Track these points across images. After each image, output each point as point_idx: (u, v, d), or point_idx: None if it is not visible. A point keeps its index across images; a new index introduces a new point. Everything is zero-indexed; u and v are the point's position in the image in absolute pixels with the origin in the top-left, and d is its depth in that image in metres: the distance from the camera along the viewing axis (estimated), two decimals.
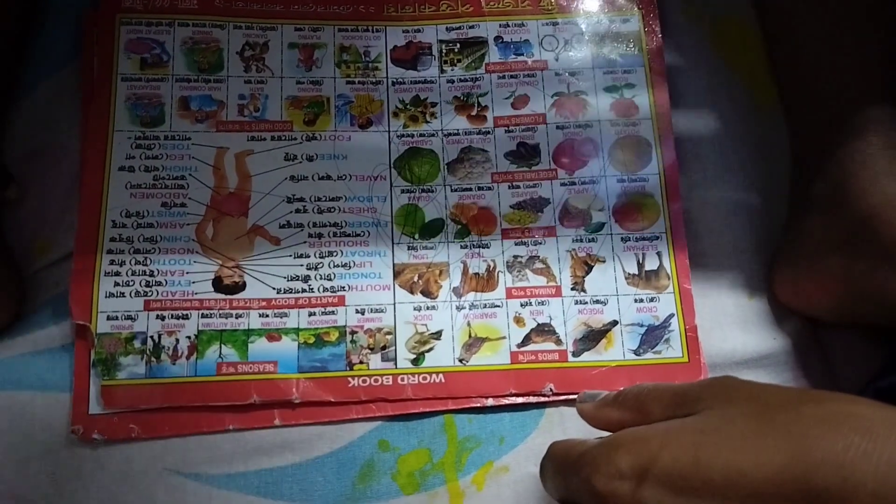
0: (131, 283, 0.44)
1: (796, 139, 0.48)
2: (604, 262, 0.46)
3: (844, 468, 0.24)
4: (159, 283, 0.44)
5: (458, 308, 0.46)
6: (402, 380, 0.44)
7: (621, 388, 0.35)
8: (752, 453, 0.25)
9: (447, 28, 0.50)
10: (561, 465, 0.32)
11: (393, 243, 0.46)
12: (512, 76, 0.50)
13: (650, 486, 0.26)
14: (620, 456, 0.28)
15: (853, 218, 0.42)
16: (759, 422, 0.27)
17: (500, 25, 0.51)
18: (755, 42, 0.52)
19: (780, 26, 0.49)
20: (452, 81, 0.50)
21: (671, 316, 0.46)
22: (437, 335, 0.45)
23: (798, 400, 0.27)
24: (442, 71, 0.50)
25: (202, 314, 0.44)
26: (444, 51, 0.50)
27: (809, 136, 0.46)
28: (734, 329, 0.46)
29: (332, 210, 0.47)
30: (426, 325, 0.45)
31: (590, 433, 0.38)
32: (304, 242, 0.46)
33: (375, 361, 0.44)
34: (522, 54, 0.50)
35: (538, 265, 0.46)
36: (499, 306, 0.46)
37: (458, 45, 0.50)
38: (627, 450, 0.28)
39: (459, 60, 0.50)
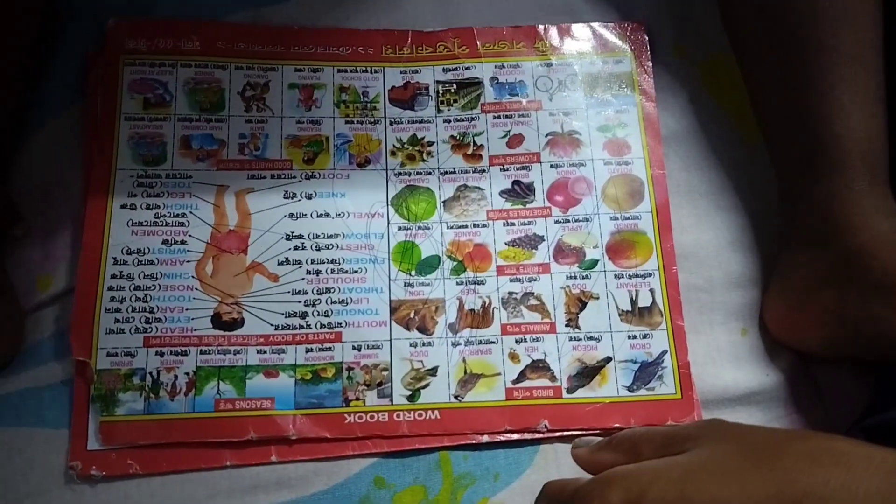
0: (131, 320, 0.45)
1: (781, 176, 0.49)
2: (598, 298, 0.47)
3: (826, 500, 0.25)
4: (159, 320, 0.45)
5: (454, 344, 0.46)
6: (398, 416, 0.44)
7: (615, 434, 0.36)
8: (737, 487, 0.26)
9: (444, 69, 0.52)
10: (555, 502, 0.33)
11: (390, 280, 0.47)
12: (507, 116, 0.51)
13: None
14: (612, 491, 0.28)
15: (843, 254, 0.42)
16: (745, 458, 0.28)
17: (495, 66, 0.52)
18: (741, 79, 0.53)
19: (754, 68, 0.50)
20: (449, 121, 0.51)
21: (664, 353, 0.46)
22: (433, 371, 0.45)
23: (782, 438, 0.28)
24: (438, 111, 0.51)
25: (201, 350, 0.44)
26: (440, 91, 0.51)
27: (794, 172, 0.47)
28: (727, 365, 0.46)
29: (330, 247, 0.47)
30: (422, 361, 0.46)
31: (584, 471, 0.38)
32: (303, 279, 0.46)
33: (371, 398, 0.45)
34: (517, 94, 0.51)
35: (533, 301, 0.47)
36: (494, 342, 0.46)
37: (455, 86, 0.51)
38: (618, 485, 0.29)
39: (456, 101, 0.51)
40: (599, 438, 0.36)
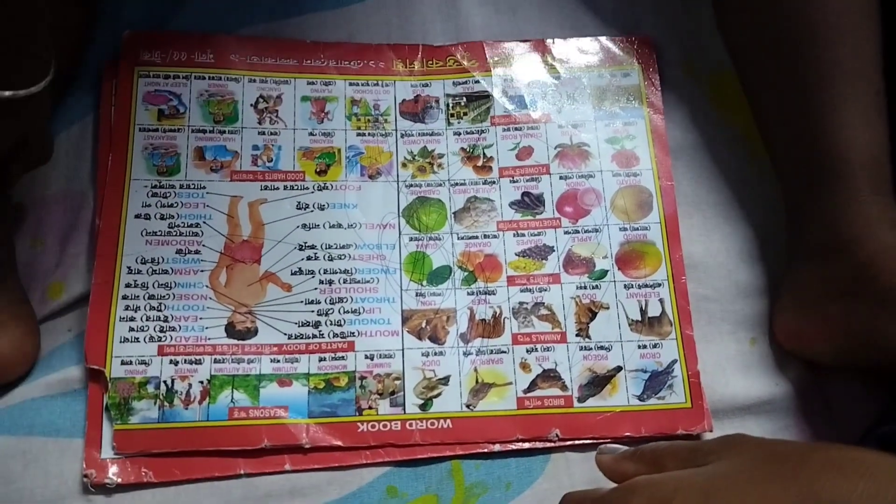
0: (146, 329, 0.45)
1: (787, 190, 0.49)
2: (607, 308, 0.48)
3: None
4: (173, 329, 0.45)
5: (466, 354, 0.46)
6: (411, 425, 0.45)
7: (640, 445, 0.36)
8: (760, 497, 0.26)
9: (454, 83, 0.52)
10: None
11: (401, 290, 0.48)
12: (516, 128, 0.51)
13: None
14: (635, 499, 0.29)
15: (851, 266, 0.43)
16: (768, 469, 0.28)
17: (504, 80, 0.52)
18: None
19: (754, 84, 0.50)
20: (459, 133, 0.51)
21: (674, 362, 0.46)
22: (445, 381, 0.46)
23: (805, 450, 0.28)
24: (449, 123, 0.52)
25: (215, 359, 0.45)
26: (450, 104, 0.52)
27: (798, 186, 0.47)
28: (736, 374, 0.47)
29: (343, 257, 0.48)
30: (434, 370, 0.46)
31: (595, 478, 0.39)
32: (315, 289, 0.47)
33: (384, 407, 0.45)
34: (526, 107, 0.52)
35: (543, 311, 0.48)
36: (505, 352, 0.47)
37: (465, 99, 0.52)
38: (642, 494, 0.29)
39: (466, 113, 0.52)
40: (625, 447, 0.36)
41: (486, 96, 0.52)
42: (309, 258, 0.47)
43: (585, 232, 0.49)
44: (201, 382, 0.44)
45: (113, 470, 0.42)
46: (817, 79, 0.44)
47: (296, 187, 0.49)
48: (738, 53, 0.52)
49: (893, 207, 0.44)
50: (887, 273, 0.41)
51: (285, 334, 0.46)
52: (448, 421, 0.45)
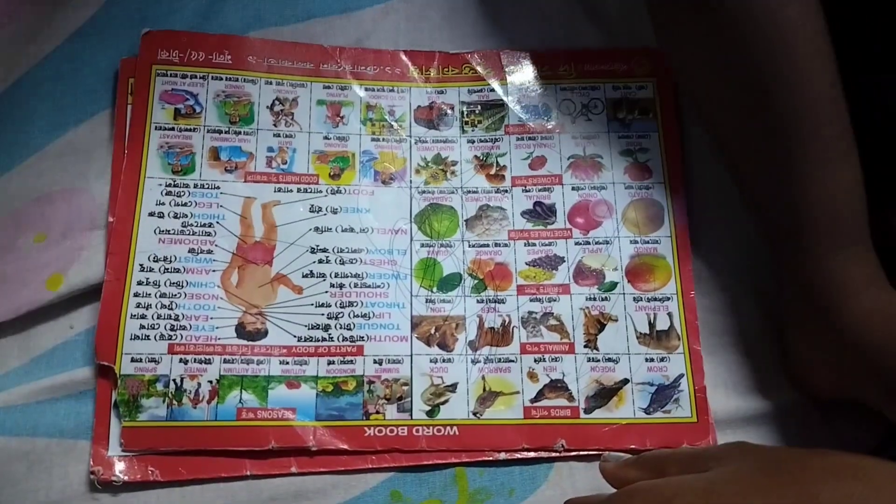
0: (156, 327, 0.45)
1: (768, 244, 0.47)
2: (616, 320, 0.48)
3: None
4: (184, 328, 0.45)
5: (474, 361, 0.47)
6: (417, 431, 0.45)
7: (642, 453, 0.36)
8: (760, 500, 0.27)
9: (469, 90, 0.53)
10: None
11: (412, 296, 0.48)
12: (530, 138, 0.52)
13: None
14: (637, 503, 0.29)
15: (830, 339, 0.41)
16: (768, 473, 0.28)
17: (520, 89, 0.53)
18: None
19: (719, 139, 0.47)
20: (473, 141, 0.51)
21: (681, 376, 0.47)
22: (453, 388, 0.46)
23: (804, 455, 0.29)
24: (463, 131, 0.52)
25: (224, 359, 0.45)
26: (465, 112, 0.52)
27: (774, 243, 0.45)
28: (740, 386, 0.47)
29: (354, 262, 0.48)
30: (442, 377, 0.46)
31: (599, 486, 0.39)
32: (326, 292, 0.47)
33: (391, 412, 0.45)
34: (541, 117, 0.52)
35: (552, 322, 0.48)
36: (513, 361, 0.47)
37: (479, 107, 0.52)
38: (642, 497, 0.29)
39: (480, 122, 0.52)
40: (629, 455, 0.37)
41: (500, 105, 0.52)
42: (321, 261, 0.48)
43: (596, 243, 0.49)
44: (210, 382, 0.44)
45: (120, 467, 0.42)
46: (770, 135, 0.42)
47: (309, 190, 0.49)
48: (698, 106, 0.49)
49: (866, 259, 0.41)
50: (868, 347, 0.39)
51: (295, 336, 0.46)
52: (455, 428, 0.45)
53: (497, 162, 0.51)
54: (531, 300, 0.48)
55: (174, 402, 0.44)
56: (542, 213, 0.50)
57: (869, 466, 0.27)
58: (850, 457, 0.28)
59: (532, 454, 0.45)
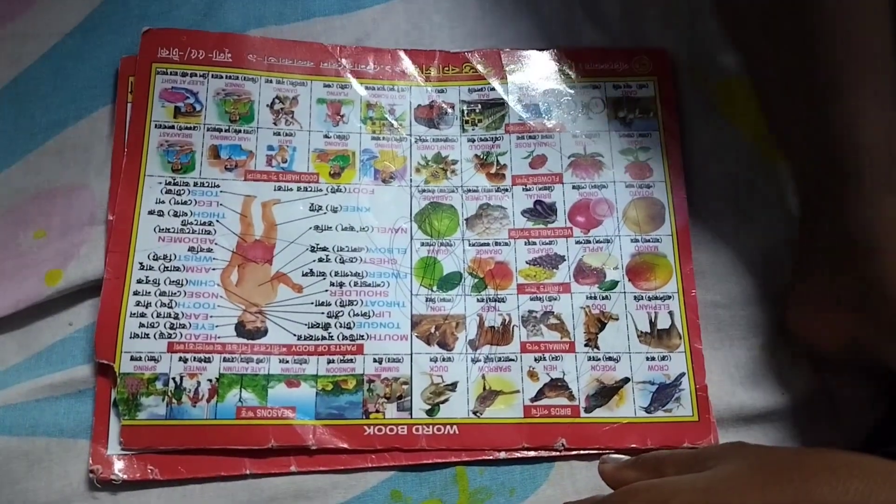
0: (156, 325, 0.45)
1: (802, 192, 0.47)
2: (617, 319, 0.48)
3: None
4: (183, 326, 0.45)
5: (474, 360, 0.46)
6: (417, 430, 0.45)
7: (641, 454, 0.36)
8: (758, 498, 0.27)
9: (469, 89, 0.52)
10: None
11: (412, 294, 0.48)
12: (531, 137, 0.52)
13: None
14: (633, 502, 0.29)
15: (860, 280, 0.42)
16: (766, 472, 0.28)
17: (520, 88, 0.53)
18: (757, 101, 0.53)
19: (766, 82, 0.48)
20: (473, 140, 0.51)
21: (682, 375, 0.47)
22: (453, 387, 0.46)
23: (802, 453, 0.29)
24: (463, 130, 0.52)
25: (224, 358, 0.45)
26: (465, 111, 0.52)
27: (813, 188, 0.45)
28: (744, 383, 0.47)
29: (354, 260, 0.48)
30: (442, 376, 0.46)
31: (599, 485, 0.39)
32: (326, 291, 0.47)
33: (391, 411, 0.45)
34: (541, 116, 0.52)
35: (552, 321, 0.48)
36: (513, 360, 0.47)
37: (480, 106, 0.52)
38: (642, 496, 0.29)
39: (480, 120, 0.52)
40: (627, 457, 0.37)
41: (501, 104, 0.52)
42: (320, 260, 0.48)
43: (597, 242, 0.49)
44: (210, 381, 0.44)
45: (119, 466, 0.42)
46: (828, 75, 0.42)
47: (309, 189, 0.49)
48: (747, 52, 0.50)
49: None
50: (885, 283, 0.40)
51: (295, 335, 0.46)
52: (454, 427, 0.45)
53: (497, 161, 0.51)
54: (531, 299, 0.48)
55: (174, 400, 0.44)
56: (542, 211, 0.50)
57: (867, 464, 0.27)
58: (848, 455, 0.28)
59: (532, 453, 0.45)
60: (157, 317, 0.45)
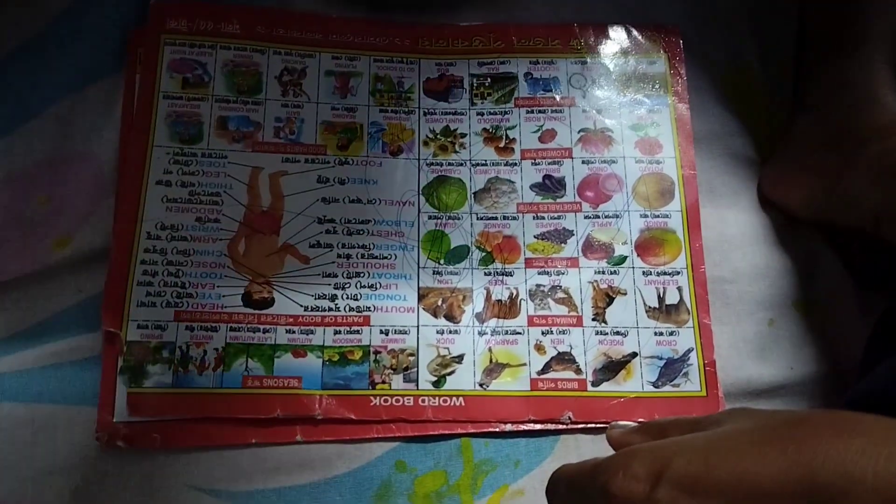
0: (163, 294, 0.45)
1: (810, 49, 0.52)
2: (625, 294, 0.47)
3: (846, 465, 0.25)
4: (190, 295, 0.45)
5: (481, 333, 0.46)
6: (423, 401, 0.44)
7: (648, 421, 0.36)
8: (758, 457, 0.27)
9: (479, 63, 0.52)
10: (576, 477, 0.33)
11: (419, 267, 0.47)
12: (540, 111, 0.51)
13: (664, 488, 0.28)
14: (637, 462, 0.29)
15: (838, 110, 0.47)
16: (766, 432, 0.28)
17: (529, 62, 0.52)
18: (761, 87, 0.54)
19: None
20: (482, 114, 0.51)
21: (690, 350, 0.46)
22: (459, 359, 0.46)
23: (804, 414, 0.29)
24: (472, 103, 0.51)
25: (230, 327, 0.45)
26: (475, 84, 0.52)
27: (821, 45, 0.51)
28: (752, 357, 0.47)
29: (361, 232, 0.48)
30: (448, 348, 0.46)
31: None
32: (333, 263, 0.47)
33: (397, 382, 0.45)
34: (551, 90, 0.52)
35: (560, 295, 0.47)
36: (520, 333, 0.46)
37: (489, 80, 0.52)
38: (643, 457, 0.29)
39: (489, 94, 0.52)
40: (635, 424, 0.36)
41: (511, 78, 0.52)
42: (328, 231, 0.47)
43: (606, 217, 0.49)
44: (216, 350, 0.44)
45: (124, 433, 0.42)
46: None
47: (317, 161, 0.49)
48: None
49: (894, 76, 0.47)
50: (864, 126, 0.45)
51: (302, 306, 0.46)
52: (461, 399, 0.45)
53: (506, 135, 0.51)
54: (539, 273, 0.48)
55: (180, 369, 0.44)
56: (551, 186, 0.50)
57: (867, 422, 0.27)
58: (849, 414, 0.28)
59: (538, 426, 0.45)
60: (164, 286, 0.45)
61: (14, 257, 0.45)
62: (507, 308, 0.47)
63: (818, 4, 0.51)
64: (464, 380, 0.45)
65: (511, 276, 0.48)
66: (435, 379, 0.45)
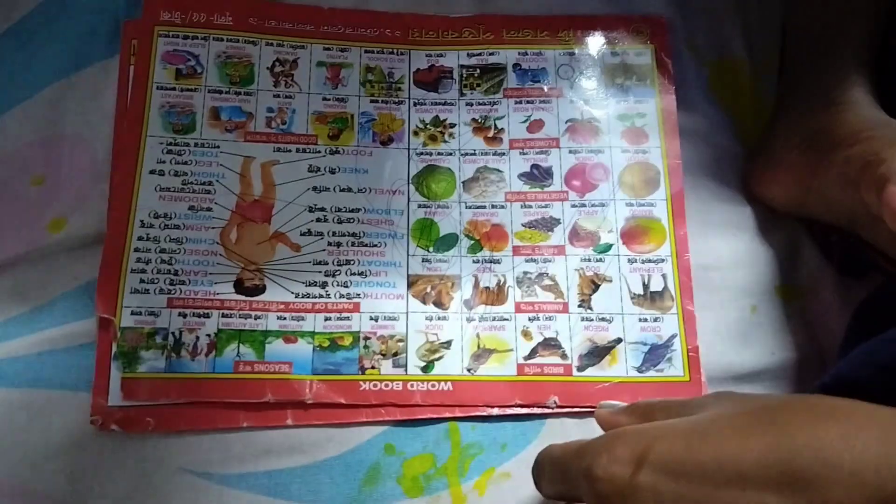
0: (156, 281, 0.46)
1: (794, 49, 0.53)
2: (610, 281, 0.48)
3: (824, 451, 0.26)
4: (183, 282, 0.46)
5: (469, 320, 0.47)
6: (412, 386, 0.45)
7: (635, 402, 0.37)
8: (739, 441, 0.27)
9: (468, 54, 0.53)
10: (560, 458, 0.34)
11: (408, 255, 0.48)
12: (528, 101, 0.52)
13: (646, 471, 0.28)
14: (619, 445, 0.30)
15: (817, 112, 0.47)
16: (747, 417, 0.29)
17: (518, 53, 0.53)
18: (747, 80, 0.55)
19: None
20: (471, 104, 0.52)
21: (674, 336, 0.47)
22: (447, 345, 0.47)
23: (787, 399, 0.30)
24: (462, 94, 0.52)
25: (223, 314, 0.46)
26: (464, 75, 0.52)
27: (798, 48, 0.52)
28: (735, 342, 0.47)
29: (352, 221, 0.48)
30: (437, 334, 0.47)
31: None
32: (324, 250, 0.48)
33: (387, 367, 0.46)
34: (539, 81, 0.52)
35: (547, 282, 0.48)
36: (507, 320, 0.47)
37: (478, 71, 0.53)
38: (626, 440, 0.30)
39: (479, 85, 0.52)
40: (624, 404, 0.37)
41: (499, 68, 0.53)
42: (318, 220, 0.48)
43: (592, 206, 0.50)
44: (209, 335, 0.45)
45: (118, 417, 0.43)
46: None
47: (308, 150, 0.50)
48: None
49: (870, 80, 0.48)
50: (835, 131, 0.45)
51: (292, 293, 0.47)
52: (448, 383, 0.46)
53: (495, 125, 0.51)
54: (526, 261, 0.49)
55: (173, 354, 0.45)
56: (538, 175, 0.50)
57: (848, 407, 0.28)
58: (829, 399, 0.29)
59: (524, 410, 0.45)
60: (158, 273, 0.46)
61: (8, 238, 0.45)
62: (495, 295, 0.48)
63: (798, 5, 0.52)
64: (452, 365, 0.46)
65: (499, 263, 0.49)
66: (423, 364, 0.46)
